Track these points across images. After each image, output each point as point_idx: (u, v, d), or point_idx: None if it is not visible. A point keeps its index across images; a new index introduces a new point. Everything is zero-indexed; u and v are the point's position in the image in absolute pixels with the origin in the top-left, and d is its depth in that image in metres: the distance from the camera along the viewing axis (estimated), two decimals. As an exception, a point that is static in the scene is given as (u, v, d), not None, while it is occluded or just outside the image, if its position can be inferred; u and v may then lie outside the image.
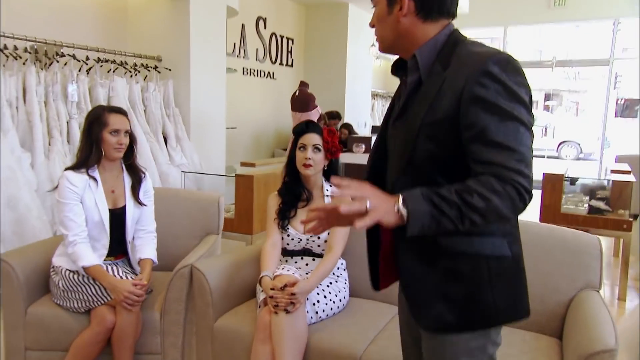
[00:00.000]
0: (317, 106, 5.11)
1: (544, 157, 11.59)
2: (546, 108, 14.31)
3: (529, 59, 9.34)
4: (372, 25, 1.11)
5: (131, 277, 2.06)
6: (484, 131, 0.90)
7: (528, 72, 0.96)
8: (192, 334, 2.16)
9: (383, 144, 1.17)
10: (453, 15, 1.07)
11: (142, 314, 2.06)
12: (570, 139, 12.88)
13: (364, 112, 7.77)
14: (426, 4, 1.03)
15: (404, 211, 0.89)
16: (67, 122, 3.59)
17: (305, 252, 2.04)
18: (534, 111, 0.97)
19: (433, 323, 1.04)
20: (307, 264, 2.05)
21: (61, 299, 2.06)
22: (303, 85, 5.18)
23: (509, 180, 0.88)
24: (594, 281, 1.82)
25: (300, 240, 2.04)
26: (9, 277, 2.07)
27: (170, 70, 4.38)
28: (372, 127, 7.70)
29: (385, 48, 1.09)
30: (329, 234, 2.00)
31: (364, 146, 5.64)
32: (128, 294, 1.96)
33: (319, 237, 2.00)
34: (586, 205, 3.76)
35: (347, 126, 6.41)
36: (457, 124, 0.93)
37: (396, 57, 1.13)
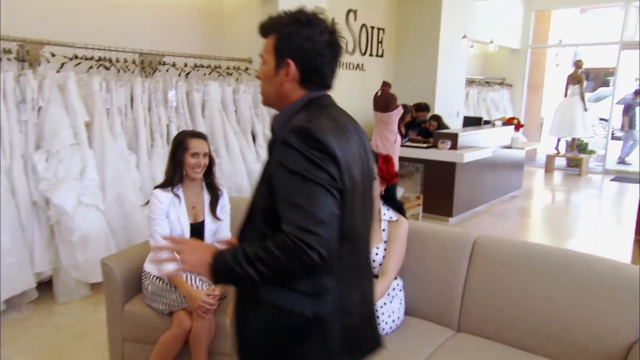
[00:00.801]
0: (398, 106, 5.10)
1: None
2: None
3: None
4: (257, 77, 1.19)
5: (207, 286, 2.19)
6: (284, 192, 0.99)
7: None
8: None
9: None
10: (328, 87, 1.16)
11: (215, 319, 2.18)
12: None
13: (457, 101, 7.46)
14: (309, 76, 1.12)
15: (210, 266, 1.04)
16: (167, 126, 3.92)
17: None
18: None
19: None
20: None
21: (150, 300, 2.25)
22: (385, 85, 5.14)
23: (297, 238, 0.95)
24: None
25: None
26: (110, 278, 2.30)
27: (259, 72, 4.60)
28: (465, 117, 7.40)
29: (266, 103, 1.19)
30: (383, 257, 2.00)
31: (449, 143, 5.50)
32: (202, 303, 2.09)
33: (374, 261, 2.00)
34: None
35: (437, 118, 6.25)
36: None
37: None
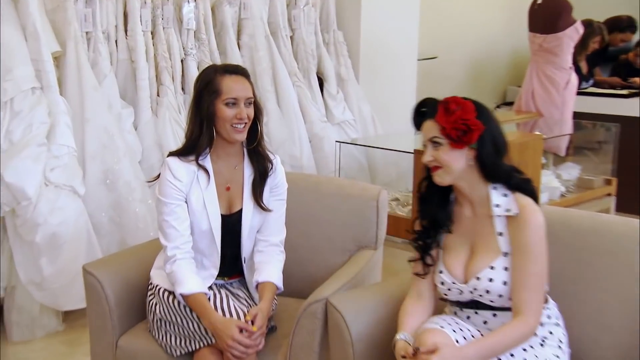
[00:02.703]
0: (574, 21, 4.93)
1: None
2: None
3: None
4: None
5: (247, 307, 2.27)
6: None
7: None
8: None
9: None
10: None
11: (262, 365, 2.22)
12: None
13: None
14: None
15: None
16: (182, 61, 3.91)
17: (480, 305, 2.06)
18: None
19: None
20: (484, 322, 2.06)
21: (158, 331, 2.30)
22: (552, -13, 4.97)
23: None
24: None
25: (462, 291, 2.05)
26: (97, 297, 2.34)
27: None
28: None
29: None
30: (505, 282, 1.99)
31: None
32: (232, 343, 2.11)
33: (488, 292, 2.00)
34: None
35: (650, 45, 6.15)
36: None
37: None
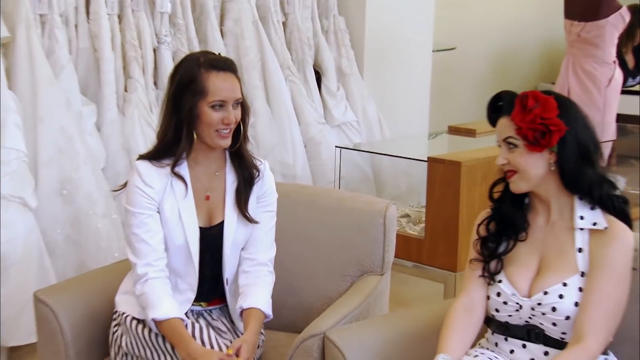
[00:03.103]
0: (621, 6, 5.03)
1: None
2: None
3: None
4: None
5: (229, 341, 2.26)
6: None
7: None
8: None
9: None
10: None
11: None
12: None
13: None
14: None
15: None
16: (154, 51, 3.85)
17: (532, 334, 2.06)
18: None
19: None
20: (532, 359, 2.04)
21: None
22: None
23: None
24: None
25: (521, 307, 2.04)
26: (50, 330, 2.32)
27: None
28: None
29: None
30: (576, 304, 2.00)
31: None
32: None
33: (554, 309, 2.00)
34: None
35: None
36: None
37: None
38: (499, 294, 2.07)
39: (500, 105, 2.06)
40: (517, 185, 2.04)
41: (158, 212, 2.28)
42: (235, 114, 2.27)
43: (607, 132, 5.02)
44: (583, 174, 1.98)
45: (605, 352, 2.03)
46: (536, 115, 1.92)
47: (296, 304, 2.62)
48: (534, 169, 2.00)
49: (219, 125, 2.24)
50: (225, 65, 2.29)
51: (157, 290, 2.21)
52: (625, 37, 5.16)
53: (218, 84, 2.24)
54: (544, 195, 2.06)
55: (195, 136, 2.27)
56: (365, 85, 4.60)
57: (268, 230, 2.43)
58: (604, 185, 2.02)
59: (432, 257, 3.53)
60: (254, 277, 2.37)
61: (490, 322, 2.13)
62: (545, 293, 1.96)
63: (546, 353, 2.03)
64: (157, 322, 2.18)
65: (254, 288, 2.34)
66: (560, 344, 2.01)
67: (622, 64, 5.25)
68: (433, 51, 5.04)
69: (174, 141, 2.27)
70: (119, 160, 3.64)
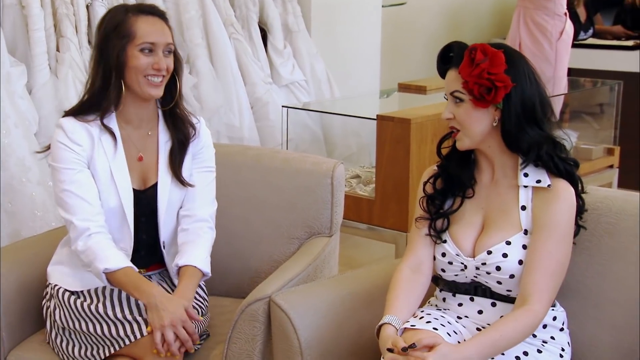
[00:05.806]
0: None
1: None
2: None
3: None
4: None
5: (205, 309, 2.35)
6: None
7: None
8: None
9: None
10: None
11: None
12: None
13: None
14: None
15: None
16: (87, 7, 3.78)
17: (479, 290, 2.11)
18: None
19: None
20: (479, 312, 2.10)
21: (61, 339, 2.27)
22: None
23: None
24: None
25: (466, 266, 2.08)
26: None
27: None
28: None
29: None
30: (520, 262, 2.05)
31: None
32: (180, 327, 2.10)
33: (498, 269, 2.04)
34: None
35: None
36: None
37: None
38: (444, 254, 2.10)
39: (450, 57, 2.05)
40: (462, 142, 2.06)
41: (89, 169, 2.27)
42: (167, 62, 2.26)
43: (558, 86, 5.12)
44: (523, 133, 2.00)
45: (553, 306, 2.08)
46: (483, 69, 1.92)
47: (242, 268, 2.63)
48: (478, 125, 2.01)
49: (149, 71, 2.23)
50: (153, 10, 2.31)
51: (103, 243, 2.20)
52: None
53: (146, 27, 2.24)
54: (488, 153, 2.08)
55: (123, 86, 2.25)
56: (313, 42, 4.59)
57: (206, 186, 2.44)
58: (543, 145, 2.03)
59: (383, 217, 3.58)
60: (194, 235, 2.37)
61: (438, 281, 2.17)
62: (489, 252, 2.00)
63: (493, 304, 2.07)
64: (109, 274, 2.16)
65: (192, 246, 2.34)
66: (507, 298, 2.06)
67: (574, 16, 5.28)
68: (383, 6, 5.04)
69: (102, 92, 2.25)
70: (53, 124, 3.48)
